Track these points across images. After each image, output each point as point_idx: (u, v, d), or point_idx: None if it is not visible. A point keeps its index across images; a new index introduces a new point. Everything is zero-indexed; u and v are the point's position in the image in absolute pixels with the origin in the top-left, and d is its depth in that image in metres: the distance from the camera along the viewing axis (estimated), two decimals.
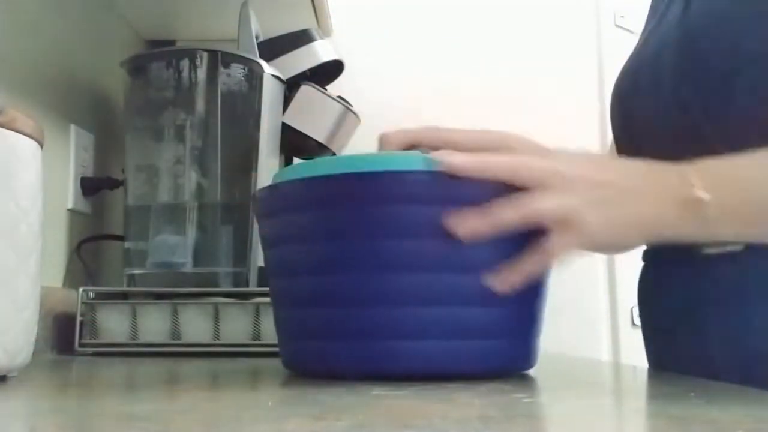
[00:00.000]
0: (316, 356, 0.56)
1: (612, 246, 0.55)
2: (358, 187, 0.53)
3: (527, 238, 0.54)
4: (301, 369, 0.59)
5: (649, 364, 0.75)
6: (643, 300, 0.75)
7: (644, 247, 0.75)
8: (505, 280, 0.53)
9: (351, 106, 1.13)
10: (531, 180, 0.53)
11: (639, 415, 0.40)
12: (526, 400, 0.43)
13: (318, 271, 0.54)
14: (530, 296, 0.57)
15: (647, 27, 0.76)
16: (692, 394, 0.46)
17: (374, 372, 0.53)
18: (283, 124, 1.08)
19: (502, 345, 0.55)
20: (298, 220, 0.55)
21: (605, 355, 1.53)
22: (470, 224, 0.52)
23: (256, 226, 0.98)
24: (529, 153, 0.57)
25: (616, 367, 0.89)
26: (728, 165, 0.56)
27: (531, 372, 0.60)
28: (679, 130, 0.64)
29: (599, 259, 1.54)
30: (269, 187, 0.59)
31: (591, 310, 1.54)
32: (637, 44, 0.76)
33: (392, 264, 0.52)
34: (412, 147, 0.72)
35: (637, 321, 1.42)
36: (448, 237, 0.52)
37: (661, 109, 0.65)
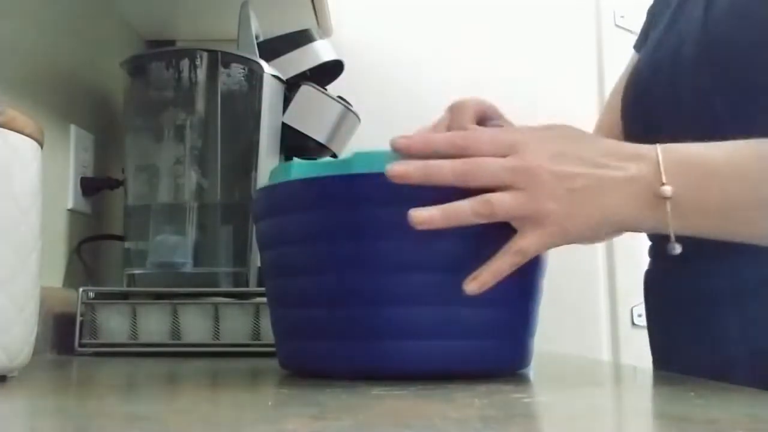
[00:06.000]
0: (313, 356, 0.56)
1: (582, 239, 0.54)
2: (356, 189, 0.53)
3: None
4: (298, 369, 0.60)
5: (654, 358, 0.75)
6: (648, 295, 0.75)
7: (649, 243, 0.75)
8: (478, 281, 0.52)
9: (351, 106, 1.12)
10: (487, 182, 0.51)
11: (639, 415, 0.40)
12: (525, 400, 0.43)
13: (316, 272, 0.54)
14: (526, 297, 0.57)
15: (657, 27, 0.76)
16: (692, 394, 0.46)
17: (372, 372, 0.53)
18: (283, 124, 1.08)
19: (498, 345, 0.55)
20: (294, 221, 0.55)
21: (605, 355, 1.53)
22: (426, 214, 0.50)
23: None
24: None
25: (616, 367, 0.89)
26: (700, 158, 0.54)
27: (530, 372, 0.60)
28: (698, 121, 0.64)
29: (599, 259, 1.54)
30: (264, 188, 0.59)
31: (591, 310, 1.54)
32: (649, 44, 0.76)
33: (389, 264, 0.52)
34: (482, 118, 0.72)
35: (637, 321, 1.42)
36: (447, 238, 0.52)
37: (681, 100, 0.66)
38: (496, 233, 0.52)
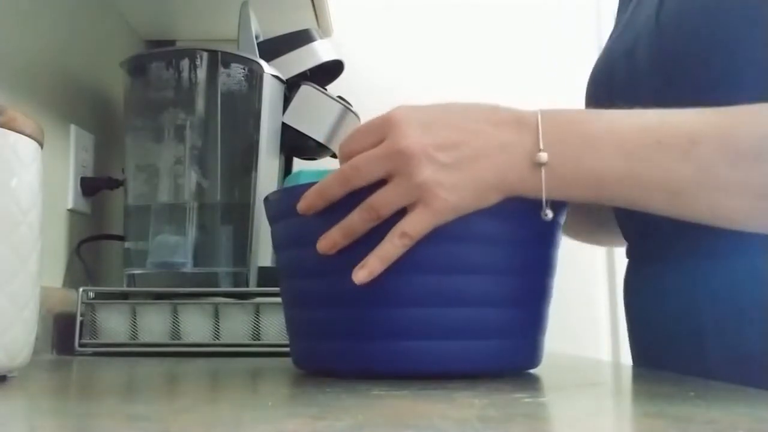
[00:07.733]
0: (325, 356, 0.57)
1: (470, 209, 0.52)
2: (368, 191, 0.53)
3: (531, 233, 0.55)
4: (312, 368, 0.60)
5: (634, 356, 0.74)
6: (628, 298, 0.74)
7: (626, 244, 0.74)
8: (367, 268, 0.51)
9: (351, 106, 1.13)
10: (368, 179, 0.51)
11: (639, 415, 0.40)
12: (526, 400, 0.43)
13: (327, 273, 0.55)
14: (536, 296, 0.57)
15: (620, 19, 0.75)
16: (692, 393, 0.46)
17: (385, 372, 0.53)
18: (283, 124, 1.08)
19: (507, 344, 0.55)
20: (309, 222, 0.55)
21: (605, 355, 1.53)
22: (329, 240, 0.52)
23: (256, 226, 0.98)
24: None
25: (616, 367, 0.89)
26: (580, 125, 0.53)
27: (531, 372, 0.60)
28: None
29: (599, 258, 1.54)
30: (282, 190, 0.59)
31: (591, 310, 1.54)
32: (611, 37, 0.76)
33: (400, 265, 0.52)
34: None
35: None
36: (453, 239, 0.52)
37: (639, 101, 0.65)
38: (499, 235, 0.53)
